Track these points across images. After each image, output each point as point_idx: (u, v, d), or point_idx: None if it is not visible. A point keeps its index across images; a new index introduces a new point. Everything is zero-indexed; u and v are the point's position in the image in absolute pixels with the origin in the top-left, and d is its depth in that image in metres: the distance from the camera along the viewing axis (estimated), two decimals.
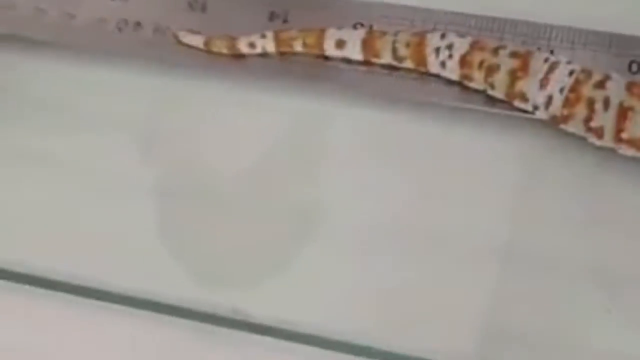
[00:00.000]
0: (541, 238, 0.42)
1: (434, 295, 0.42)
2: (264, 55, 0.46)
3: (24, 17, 0.49)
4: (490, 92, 0.43)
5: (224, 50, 0.46)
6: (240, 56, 0.46)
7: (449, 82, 0.44)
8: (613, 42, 0.44)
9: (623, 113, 0.40)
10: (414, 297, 0.42)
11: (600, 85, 0.41)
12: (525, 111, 0.43)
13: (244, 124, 0.46)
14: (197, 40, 0.47)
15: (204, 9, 0.48)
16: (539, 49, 0.44)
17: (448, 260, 0.43)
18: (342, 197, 0.45)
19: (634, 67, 0.43)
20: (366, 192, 0.44)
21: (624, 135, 0.40)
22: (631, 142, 0.41)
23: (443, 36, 0.44)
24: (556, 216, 0.42)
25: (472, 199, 0.43)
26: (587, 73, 0.42)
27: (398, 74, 0.45)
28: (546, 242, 0.42)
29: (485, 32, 0.45)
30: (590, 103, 0.41)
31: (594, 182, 0.42)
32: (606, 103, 0.41)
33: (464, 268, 0.42)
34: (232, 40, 0.46)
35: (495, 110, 0.43)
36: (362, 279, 0.43)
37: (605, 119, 0.41)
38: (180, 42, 0.47)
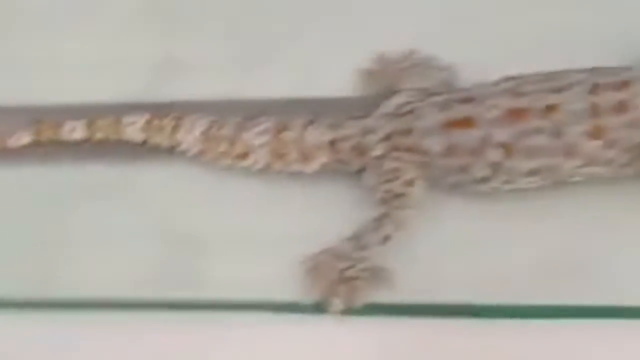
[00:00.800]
0: None
1: None
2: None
3: None
4: (162, 143, 0.67)
5: None
6: None
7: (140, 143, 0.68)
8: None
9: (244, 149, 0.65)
10: None
11: (221, 127, 0.65)
12: (183, 152, 0.67)
13: None
14: None
15: None
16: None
17: None
18: None
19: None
20: None
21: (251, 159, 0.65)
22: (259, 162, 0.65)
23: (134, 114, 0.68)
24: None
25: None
26: (220, 123, 0.66)
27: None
28: None
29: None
30: (221, 140, 0.65)
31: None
32: (227, 139, 0.65)
33: None
34: None
35: (164, 154, 0.67)
36: None
37: (223, 150, 0.65)
38: None
